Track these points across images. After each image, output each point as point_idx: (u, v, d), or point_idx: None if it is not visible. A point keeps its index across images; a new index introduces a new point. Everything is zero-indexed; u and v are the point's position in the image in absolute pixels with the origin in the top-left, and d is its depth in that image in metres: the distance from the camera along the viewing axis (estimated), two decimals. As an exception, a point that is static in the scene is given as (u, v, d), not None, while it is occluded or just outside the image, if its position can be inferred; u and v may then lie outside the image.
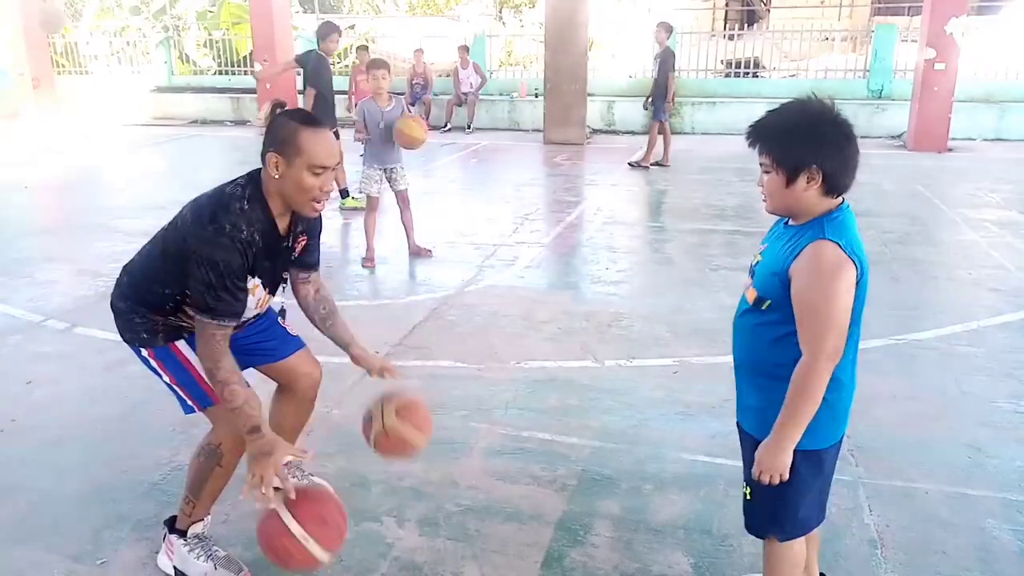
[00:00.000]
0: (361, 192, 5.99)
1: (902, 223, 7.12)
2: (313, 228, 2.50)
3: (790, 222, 1.90)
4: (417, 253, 6.05)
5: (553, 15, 12.20)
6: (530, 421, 3.51)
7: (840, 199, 1.85)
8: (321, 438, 3.36)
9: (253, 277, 2.28)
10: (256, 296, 2.35)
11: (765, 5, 23.73)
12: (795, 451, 1.87)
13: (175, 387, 2.42)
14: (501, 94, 15.08)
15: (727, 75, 15.27)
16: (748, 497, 2.03)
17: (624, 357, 4.19)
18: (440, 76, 15.00)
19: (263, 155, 2.22)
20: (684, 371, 4.02)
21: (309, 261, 2.57)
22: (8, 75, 15.52)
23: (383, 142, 5.75)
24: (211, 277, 2.13)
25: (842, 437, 1.97)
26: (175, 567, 2.53)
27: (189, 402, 2.43)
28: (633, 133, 13.84)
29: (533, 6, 30.57)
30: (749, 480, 2.01)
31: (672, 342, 4.40)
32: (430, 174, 8.35)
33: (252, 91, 15.10)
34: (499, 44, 17.93)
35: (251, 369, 2.56)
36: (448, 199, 8.47)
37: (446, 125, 14.21)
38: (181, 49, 18.36)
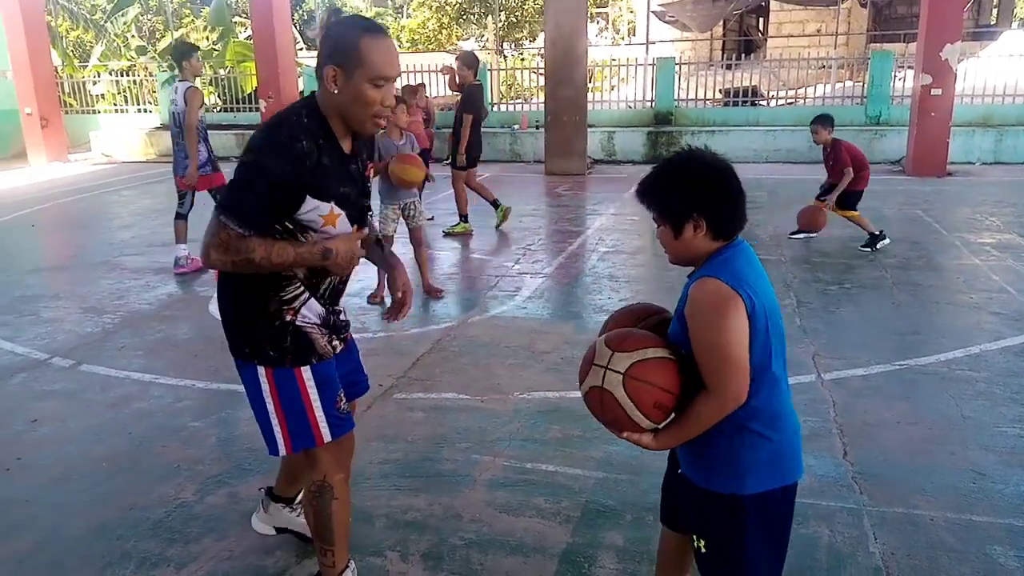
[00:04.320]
0: (379, 231, 5.95)
1: (902, 248, 7.15)
2: (371, 148, 2.35)
3: (692, 271, 1.88)
4: (429, 292, 5.98)
5: (552, 49, 12.38)
6: (533, 452, 3.51)
7: (733, 241, 1.85)
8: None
9: (327, 201, 2.09)
10: (338, 229, 2.14)
11: (762, 35, 24.02)
12: (738, 496, 1.83)
13: (278, 418, 2.21)
14: (503, 126, 15.25)
15: (726, 104, 15.42)
16: (703, 550, 1.94)
17: (626, 387, 4.19)
18: (442, 110, 15.18)
19: (318, 70, 2.04)
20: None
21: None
22: (17, 114, 15.75)
23: None
24: (245, 175, 2.01)
25: (791, 484, 1.87)
26: None
27: (282, 439, 2.22)
28: (633, 162, 13.96)
29: (533, 39, 31.02)
30: (699, 531, 1.95)
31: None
32: (433, 207, 8.45)
33: (256, 127, 15.26)
34: (500, 77, 18.14)
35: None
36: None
37: (448, 158, 14.35)
38: (186, 87, 18.61)
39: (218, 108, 18.07)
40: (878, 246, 7.13)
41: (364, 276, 6.56)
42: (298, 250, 2.07)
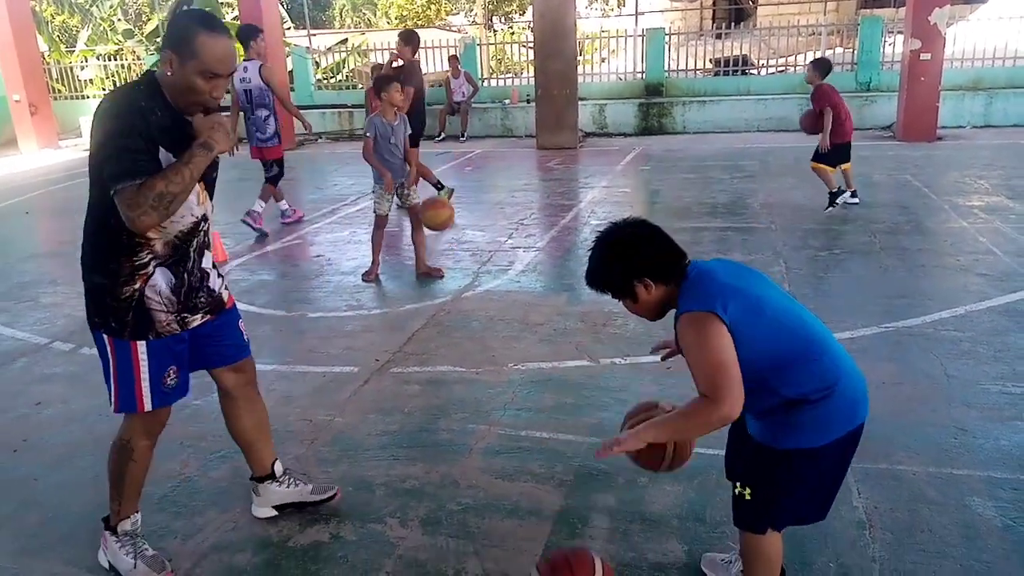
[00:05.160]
0: (374, 210, 5.97)
1: (891, 213, 7.22)
2: None
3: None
4: (427, 274, 5.92)
5: (541, 21, 12.33)
6: (527, 421, 3.60)
7: (684, 274, 2.03)
8: (324, 444, 3.45)
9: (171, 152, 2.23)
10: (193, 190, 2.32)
11: (752, 3, 23.86)
12: (786, 450, 2.02)
13: (113, 381, 2.45)
14: (493, 101, 15.23)
15: (716, 74, 15.39)
16: (747, 497, 2.12)
17: (618, 355, 4.29)
18: (432, 86, 15.12)
19: (160, 50, 2.23)
20: (677, 367, 4.09)
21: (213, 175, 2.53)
22: (5, 101, 15.66)
23: (393, 157, 5.77)
24: (110, 145, 2.14)
25: (838, 438, 2.00)
26: (108, 561, 2.64)
27: (114, 399, 2.47)
28: (625, 135, 13.97)
29: (523, 13, 30.79)
30: (750, 481, 2.12)
31: (665, 339, 4.47)
32: (425, 183, 8.48)
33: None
34: (490, 52, 18.05)
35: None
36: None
37: (440, 134, 14.35)
38: (175, 70, 18.50)
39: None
40: (838, 201, 7.28)
41: (357, 255, 6.63)
42: (185, 163, 2.19)
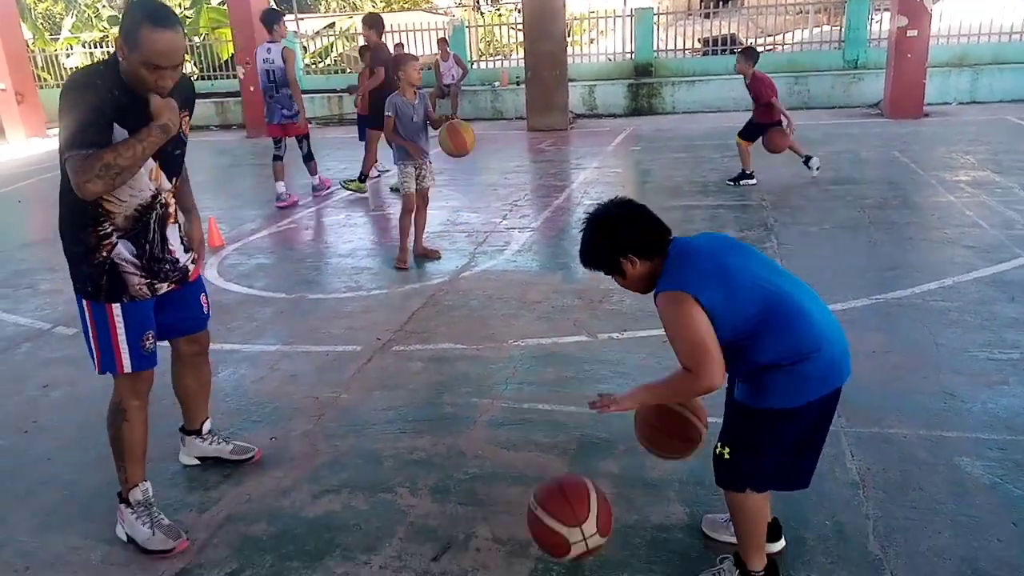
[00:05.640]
0: (400, 191, 5.92)
1: (879, 189, 7.32)
2: (188, 101, 2.64)
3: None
4: (424, 255, 5.95)
5: (530, 3, 12.33)
6: (529, 394, 3.68)
7: (666, 250, 2.15)
8: (332, 420, 3.53)
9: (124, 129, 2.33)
10: (146, 166, 2.44)
11: (740, -19, 23.85)
12: (762, 409, 2.14)
13: (93, 344, 2.62)
14: (483, 84, 15.23)
15: (705, 53, 15.42)
16: (726, 456, 2.24)
17: (616, 330, 4.37)
18: (421, 69, 15.08)
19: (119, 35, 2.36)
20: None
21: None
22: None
23: (416, 136, 5.73)
24: (68, 117, 2.27)
25: (815, 400, 2.11)
26: (126, 533, 2.75)
27: (96, 360, 2.63)
28: (615, 115, 14.01)
29: (510, -6, 30.62)
30: (729, 439, 2.24)
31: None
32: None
33: (236, 94, 15.18)
34: (479, 34, 18.01)
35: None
36: (437, 190, 8.57)
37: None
38: (161, 56, 18.35)
39: (195, 76, 17.88)
40: (741, 183, 7.76)
41: (352, 238, 6.69)
42: (139, 140, 2.30)
